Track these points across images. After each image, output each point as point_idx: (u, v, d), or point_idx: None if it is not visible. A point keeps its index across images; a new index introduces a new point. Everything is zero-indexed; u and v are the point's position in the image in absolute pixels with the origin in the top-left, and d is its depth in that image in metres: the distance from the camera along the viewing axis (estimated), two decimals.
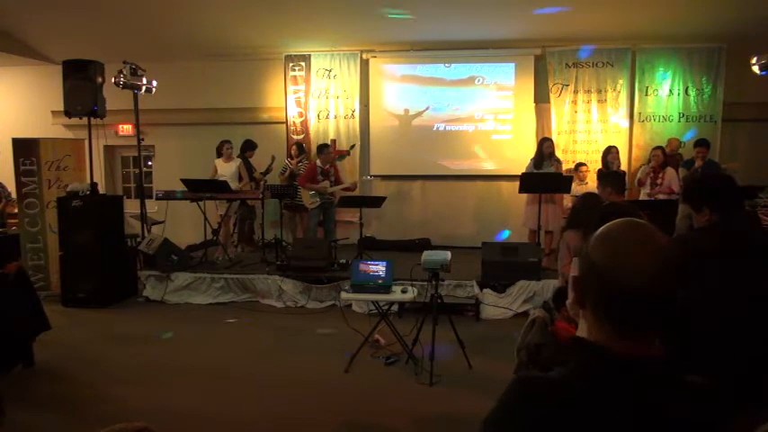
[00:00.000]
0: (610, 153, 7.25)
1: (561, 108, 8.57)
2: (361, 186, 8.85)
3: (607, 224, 1.00)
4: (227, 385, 4.29)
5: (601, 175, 6.77)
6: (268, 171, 8.18)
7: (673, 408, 0.89)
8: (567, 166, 7.98)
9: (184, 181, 7.14)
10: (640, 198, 7.02)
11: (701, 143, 7.27)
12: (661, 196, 6.87)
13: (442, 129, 8.96)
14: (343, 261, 6.81)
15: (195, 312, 6.36)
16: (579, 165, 7.67)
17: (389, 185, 9.06)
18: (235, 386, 4.28)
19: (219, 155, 8.01)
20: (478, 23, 8.03)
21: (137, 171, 8.96)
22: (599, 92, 8.46)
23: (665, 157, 7.10)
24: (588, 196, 4.28)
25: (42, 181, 6.90)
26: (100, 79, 6.66)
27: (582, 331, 2.87)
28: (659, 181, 6.94)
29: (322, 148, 7.77)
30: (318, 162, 7.61)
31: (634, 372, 0.90)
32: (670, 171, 6.97)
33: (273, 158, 8.19)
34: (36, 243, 6.96)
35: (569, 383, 0.93)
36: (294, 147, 8.46)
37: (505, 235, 8.59)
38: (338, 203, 7.70)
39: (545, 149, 7.15)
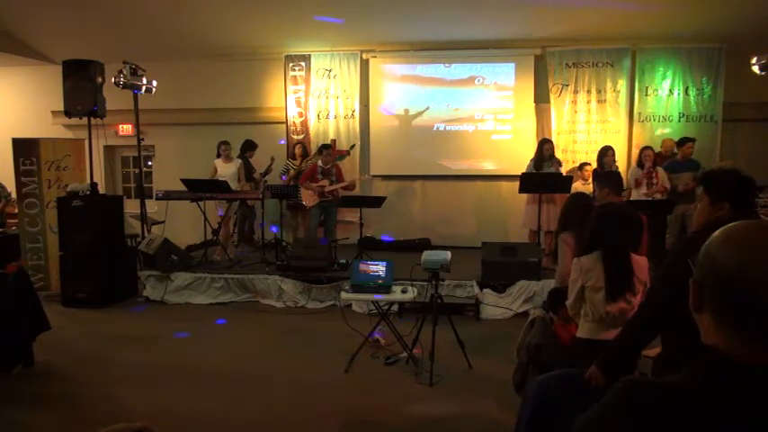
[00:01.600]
0: (606, 155, 7.24)
1: (561, 108, 8.58)
2: (360, 186, 8.86)
3: (731, 225, 0.94)
4: (227, 385, 4.29)
5: (598, 175, 6.78)
6: (267, 172, 8.18)
7: None
8: (567, 166, 7.98)
9: (184, 181, 7.14)
10: (632, 198, 7.01)
11: (688, 140, 7.30)
12: (658, 196, 6.88)
13: (442, 129, 8.97)
14: (343, 261, 6.81)
15: (195, 312, 6.36)
16: (583, 164, 7.66)
17: (389, 185, 9.06)
18: (234, 386, 4.27)
19: (219, 155, 8.01)
20: (478, 23, 8.04)
21: (137, 171, 8.97)
22: (599, 92, 8.46)
23: (655, 155, 7.13)
24: (578, 196, 4.29)
25: (42, 181, 6.90)
26: (100, 79, 6.66)
27: (582, 331, 2.88)
28: (654, 180, 6.96)
29: (322, 148, 7.77)
30: (319, 162, 7.62)
31: (756, 379, 0.84)
32: (661, 171, 7.01)
33: (273, 159, 8.18)
34: (36, 243, 6.96)
35: (687, 390, 0.88)
36: (299, 146, 8.45)
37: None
38: (338, 203, 7.70)
39: (545, 151, 7.16)
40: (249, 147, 8.37)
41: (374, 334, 4.90)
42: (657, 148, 7.63)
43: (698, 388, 0.87)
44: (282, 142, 9.19)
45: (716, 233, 0.94)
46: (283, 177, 8.35)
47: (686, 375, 0.91)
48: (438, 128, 8.97)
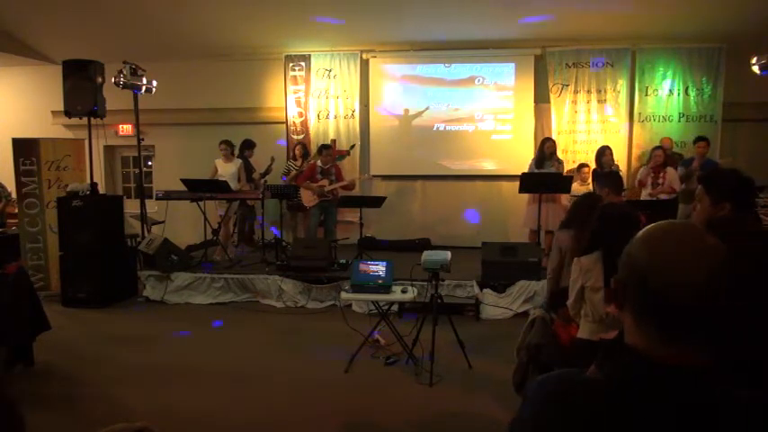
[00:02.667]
0: (604, 155, 7.23)
1: (561, 108, 8.58)
2: (360, 185, 8.85)
3: (653, 225, 0.95)
4: (227, 385, 4.29)
5: (598, 175, 6.77)
6: (267, 172, 8.18)
7: (715, 421, 0.84)
8: (567, 166, 7.98)
9: (184, 181, 7.14)
10: (642, 198, 7.01)
11: (702, 138, 7.26)
12: (663, 196, 6.86)
13: (442, 129, 8.96)
14: (343, 261, 6.81)
15: (195, 312, 6.36)
16: (582, 165, 7.66)
17: (389, 185, 9.06)
18: (234, 386, 4.28)
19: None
20: (478, 23, 8.03)
21: (137, 171, 8.96)
22: (599, 92, 8.46)
23: (665, 156, 7.10)
24: (589, 196, 4.28)
25: (42, 181, 6.89)
26: (100, 79, 6.66)
27: (583, 332, 2.88)
28: (660, 180, 6.94)
29: (322, 148, 7.77)
30: (319, 162, 7.61)
31: (677, 380, 0.85)
32: (671, 170, 6.97)
33: (273, 159, 8.18)
34: (36, 243, 6.96)
35: (606, 387, 0.89)
36: (299, 147, 8.44)
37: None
38: (338, 203, 7.70)
39: (546, 149, 7.15)
40: (248, 146, 8.36)
41: (374, 334, 4.90)
42: None
43: (619, 387, 0.88)
44: (281, 143, 9.19)
45: (639, 233, 0.96)
46: (284, 178, 8.35)
47: (606, 372, 0.92)
48: (438, 128, 8.97)
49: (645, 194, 7.00)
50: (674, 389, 0.85)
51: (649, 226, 0.96)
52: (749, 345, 1.38)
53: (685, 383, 0.85)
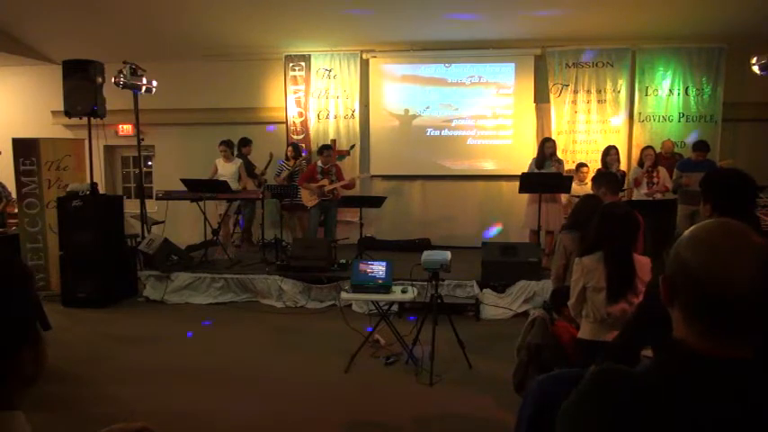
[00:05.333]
0: (609, 154, 7.23)
1: (561, 108, 8.58)
2: (360, 185, 8.85)
3: (699, 225, 0.99)
4: (227, 385, 4.29)
5: (595, 175, 6.77)
6: (267, 167, 8.19)
7: (753, 410, 0.87)
8: (567, 166, 7.97)
9: (184, 181, 7.14)
10: (635, 198, 7.00)
11: (700, 147, 7.17)
12: (658, 195, 6.87)
13: (442, 129, 8.96)
14: (343, 261, 6.81)
15: (195, 312, 6.36)
16: (580, 165, 7.66)
17: (389, 185, 9.06)
18: (234, 386, 4.28)
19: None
20: (478, 23, 8.03)
21: (137, 171, 8.97)
22: (599, 92, 8.46)
23: (657, 156, 7.12)
24: (589, 198, 4.28)
25: (42, 181, 6.90)
26: (100, 79, 6.66)
27: (584, 332, 2.88)
28: (655, 180, 6.96)
29: (323, 149, 7.78)
30: (319, 162, 7.62)
31: (722, 371, 0.89)
32: (662, 170, 7.00)
33: (272, 155, 8.19)
34: (36, 243, 6.96)
35: (654, 379, 0.92)
36: (290, 148, 8.44)
37: (495, 232, 8.62)
38: (338, 203, 7.70)
39: (546, 150, 7.14)
40: (244, 143, 8.37)
41: (369, 330, 4.92)
42: (657, 149, 7.62)
43: (668, 378, 0.92)
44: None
45: (685, 232, 0.99)
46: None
47: (657, 366, 0.96)
48: (438, 128, 8.96)
49: (639, 194, 6.99)
50: (720, 380, 0.89)
51: (697, 225, 1.00)
52: None
53: (733, 375, 0.89)
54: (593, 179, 4.70)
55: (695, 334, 0.93)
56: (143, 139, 7.72)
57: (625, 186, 7.48)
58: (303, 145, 8.83)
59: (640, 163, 7.19)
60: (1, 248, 6.76)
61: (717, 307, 0.91)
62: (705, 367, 0.90)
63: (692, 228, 0.99)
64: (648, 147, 7.30)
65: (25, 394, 0.95)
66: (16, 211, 7.26)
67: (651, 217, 4.80)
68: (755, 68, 6.92)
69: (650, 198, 6.87)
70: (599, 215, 3.05)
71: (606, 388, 0.95)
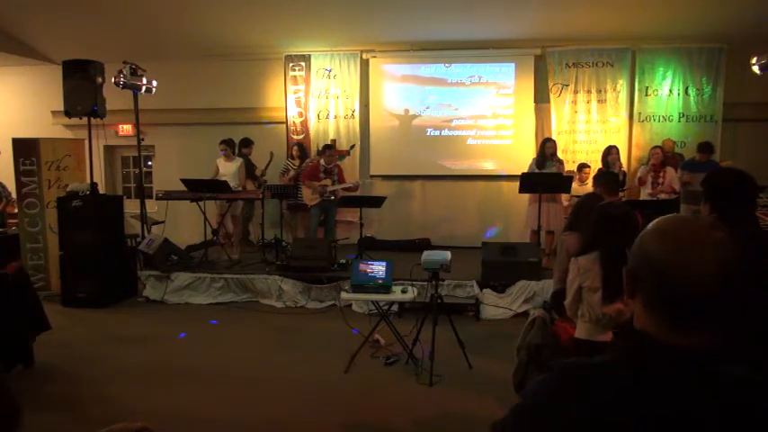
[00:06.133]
0: (610, 154, 7.24)
1: (561, 108, 8.58)
2: (360, 186, 8.84)
3: (663, 219, 1.00)
4: (227, 385, 4.29)
5: (596, 174, 6.77)
6: (267, 167, 8.20)
7: (715, 402, 0.89)
8: (567, 166, 7.97)
9: (184, 181, 7.14)
10: (641, 198, 7.00)
11: (705, 148, 7.13)
12: (662, 196, 6.86)
13: (441, 129, 8.96)
14: (343, 261, 6.81)
15: (195, 312, 6.36)
16: (582, 166, 7.66)
17: (389, 185, 9.06)
18: (234, 386, 4.28)
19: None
20: (478, 23, 8.03)
21: (137, 171, 8.97)
22: (599, 92, 8.46)
23: (664, 155, 7.10)
24: (589, 197, 4.28)
25: (42, 181, 6.90)
26: (100, 79, 6.66)
27: (580, 332, 2.89)
28: (660, 180, 6.94)
29: (325, 148, 7.78)
30: (322, 161, 7.62)
31: (679, 362, 0.91)
32: (670, 170, 6.97)
33: (272, 155, 8.19)
34: (36, 243, 6.97)
35: (615, 368, 0.94)
36: (296, 147, 8.45)
37: (495, 232, 8.62)
38: (339, 203, 7.70)
39: (547, 150, 7.14)
40: (245, 144, 8.37)
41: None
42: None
43: (627, 367, 0.93)
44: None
45: (649, 226, 1.00)
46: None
47: (622, 358, 0.96)
48: (438, 128, 8.96)
49: (644, 194, 7.00)
50: (679, 369, 0.90)
51: (660, 218, 1.00)
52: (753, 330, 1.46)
53: (691, 365, 0.91)
54: (595, 178, 4.71)
55: (656, 325, 0.94)
56: (143, 139, 7.72)
57: (626, 186, 7.49)
58: (304, 145, 8.83)
59: (648, 162, 7.20)
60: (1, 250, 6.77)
61: (679, 299, 0.92)
62: (663, 357, 0.92)
63: (655, 221, 1.00)
64: (657, 146, 7.29)
65: None
66: (16, 211, 7.26)
67: (652, 217, 4.80)
68: (755, 68, 6.92)
69: (654, 198, 6.86)
70: (595, 215, 3.05)
71: (576, 383, 0.95)
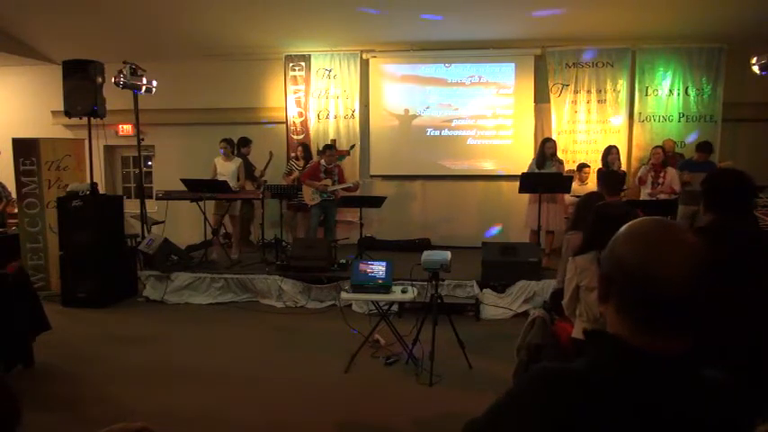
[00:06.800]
0: (610, 153, 7.24)
1: (561, 108, 8.58)
2: (360, 186, 8.84)
3: (635, 221, 1.00)
4: (227, 385, 4.29)
5: (598, 174, 6.78)
6: (267, 167, 8.20)
7: (689, 405, 0.90)
8: (567, 166, 7.98)
9: (184, 181, 7.14)
10: (641, 197, 7.00)
11: (703, 148, 7.17)
12: (662, 196, 6.86)
13: (441, 129, 8.96)
14: (343, 261, 6.81)
15: (195, 312, 6.36)
16: (582, 166, 7.66)
17: (389, 185, 9.06)
18: (234, 386, 4.28)
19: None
20: (478, 23, 8.03)
21: (137, 171, 8.97)
22: (599, 92, 8.46)
23: (665, 155, 7.10)
24: (591, 196, 4.28)
25: (42, 181, 6.90)
26: (100, 79, 6.66)
27: (578, 332, 2.89)
28: (661, 180, 6.93)
29: (326, 148, 7.78)
30: (322, 161, 7.62)
31: (653, 366, 0.91)
32: (671, 171, 6.96)
33: (271, 155, 8.19)
34: (36, 243, 6.96)
35: (591, 375, 0.94)
36: (300, 148, 8.44)
37: (495, 232, 8.62)
38: (339, 203, 7.70)
39: (547, 150, 7.14)
40: (243, 143, 8.36)
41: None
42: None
43: (598, 371, 0.93)
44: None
45: (621, 229, 1.00)
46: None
47: (591, 361, 0.96)
48: (438, 128, 8.96)
49: (644, 194, 6.99)
50: (649, 373, 0.90)
51: (631, 222, 1.00)
52: (721, 333, 1.48)
53: (660, 368, 0.91)
54: (597, 177, 4.71)
55: (629, 329, 0.94)
56: (143, 139, 7.72)
57: (626, 186, 7.48)
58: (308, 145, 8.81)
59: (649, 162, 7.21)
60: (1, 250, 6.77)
61: (651, 302, 0.92)
62: (633, 361, 0.91)
63: (628, 224, 1.00)
64: (658, 146, 7.29)
65: None
66: (16, 211, 7.26)
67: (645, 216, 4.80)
68: (755, 68, 6.92)
69: (653, 198, 6.85)
70: (593, 215, 3.05)
71: (552, 385, 0.95)
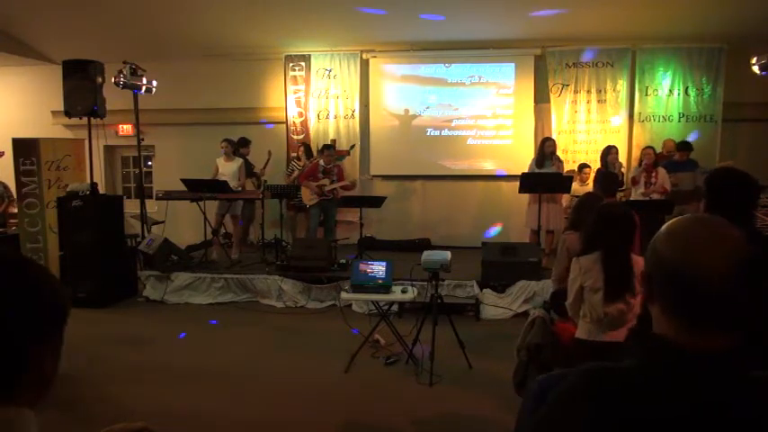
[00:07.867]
0: (610, 153, 7.25)
1: (561, 108, 8.57)
2: (360, 185, 8.85)
3: (675, 220, 0.99)
4: (227, 385, 4.29)
5: (596, 175, 6.79)
6: (266, 166, 8.20)
7: (736, 404, 0.88)
8: (568, 166, 7.98)
9: (184, 181, 7.14)
10: (633, 198, 7.00)
11: (684, 147, 7.40)
12: (655, 196, 6.87)
13: (441, 129, 8.96)
14: (343, 261, 6.81)
15: (195, 312, 6.36)
16: (583, 166, 7.66)
17: (389, 185, 9.06)
18: (234, 386, 4.28)
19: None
20: (478, 23, 8.03)
21: (137, 171, 8.97)
22: (599, 92, 8.46)
23: (656, 156, 7.13)
24: (589, 196, 4.28)
25: (42, 181, 6.89)
26: (100, 79, 6.66)
27: (581, 332, 2.89)
28: (653, 180, 6.95)
29: (324, 148, 7.78)
30: (321, 161, 7.62)
31: (700, 365, 0.89)
32: (662, 170, 6.99)
33: (270, 154, 8.18)
34: (36, 243, 6.96)
35: (639, 376, 0.92)
36: (301, 148, 8.43)
37: (495, 232, 8.63)
38: (339, 203, 7.70)
39: (546, 149, 7.15)
40: (242, 144, 8.35)
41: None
42: (658, 149, 7.62)
43: (651, 373, 0.92)
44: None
45: (662, 228, 0.99)
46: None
47: (639, 361, 0.95)
48: (438, 128, 8.96)
49: (637, 194, 6.99)
50: (700, 373, 0.89)
51: (672, 220, 1.00)
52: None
53: (710, 368, 0.89)
54: (594, 178, 4.71)
55: (674, 329, 0.93)
56: (143, 139, 7.72)
57: (625, 186, 7.49)
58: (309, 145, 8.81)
59: (640, 162, 7.20)
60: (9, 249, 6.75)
61: (693, 299, 0.91)
62: (684, 361, 0.90)
63: (668, 222, 0.99)
64: (648, 147, 7.31)
65: (41, 394, 0.94)
66: (16, 211, 7.26)
67: (647, 216, 4.81)
68: (755, 68, 6.92)
69: (647, 198, 6.86)
70: (595, 215, 3.05)
71: (599, 387, 0.94)
